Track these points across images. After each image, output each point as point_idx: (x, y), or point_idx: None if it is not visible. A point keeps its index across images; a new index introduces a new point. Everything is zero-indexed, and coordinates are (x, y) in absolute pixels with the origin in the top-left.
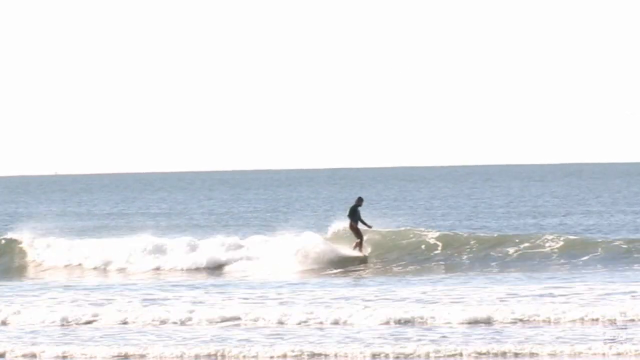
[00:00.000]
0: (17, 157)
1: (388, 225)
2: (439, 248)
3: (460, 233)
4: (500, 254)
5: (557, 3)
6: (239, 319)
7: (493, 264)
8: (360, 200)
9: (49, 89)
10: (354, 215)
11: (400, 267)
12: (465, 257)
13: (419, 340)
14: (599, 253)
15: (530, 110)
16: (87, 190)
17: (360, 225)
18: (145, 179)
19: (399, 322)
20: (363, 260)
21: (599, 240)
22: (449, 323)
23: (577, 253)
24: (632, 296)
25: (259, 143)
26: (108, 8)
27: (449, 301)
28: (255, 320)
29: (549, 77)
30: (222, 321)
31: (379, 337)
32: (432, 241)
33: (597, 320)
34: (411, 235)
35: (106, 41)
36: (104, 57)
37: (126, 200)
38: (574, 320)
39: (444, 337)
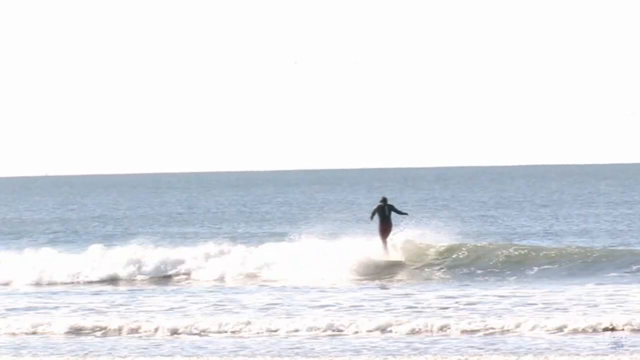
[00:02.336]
0: (7, 158)
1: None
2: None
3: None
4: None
5: (557, 3)
6: None
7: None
8: (384, 200)
9: (40, 90)
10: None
11: None
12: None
13: None
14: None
15: (530, 111)
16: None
17: (394, 218)
18: (135, 180)
19: None
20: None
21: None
22: None
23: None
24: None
25: (251, 144)
26: (98, 8)
27: None
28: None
29: (549, 78)
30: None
31: None
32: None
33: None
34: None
35: (95, 42)
36: (93, 58)
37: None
38: None
39: None
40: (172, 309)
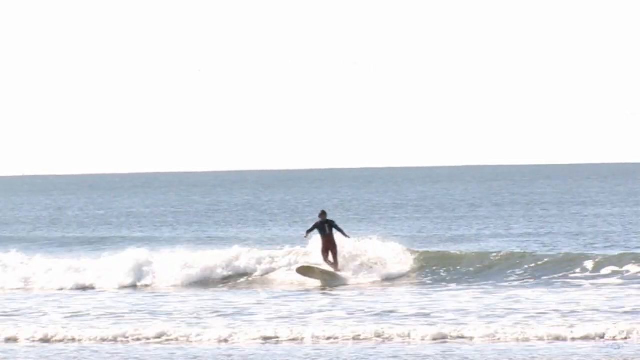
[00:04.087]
0: None
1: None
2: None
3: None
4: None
5: (557, 3)
6: None
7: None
8: (323, 214)
9: (18, 89)
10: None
11: None
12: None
13: None
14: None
15: (530, 110)
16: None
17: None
18: (113, 180)
19: None
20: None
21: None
22: None
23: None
24: None
25: (239, 144)
26: (83, 7)
27: None
28: None
29: (549, 77)
30: None
31: None
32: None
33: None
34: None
35: (77, 42)
36: (74, 58)
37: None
38: None
39: None
40: None
